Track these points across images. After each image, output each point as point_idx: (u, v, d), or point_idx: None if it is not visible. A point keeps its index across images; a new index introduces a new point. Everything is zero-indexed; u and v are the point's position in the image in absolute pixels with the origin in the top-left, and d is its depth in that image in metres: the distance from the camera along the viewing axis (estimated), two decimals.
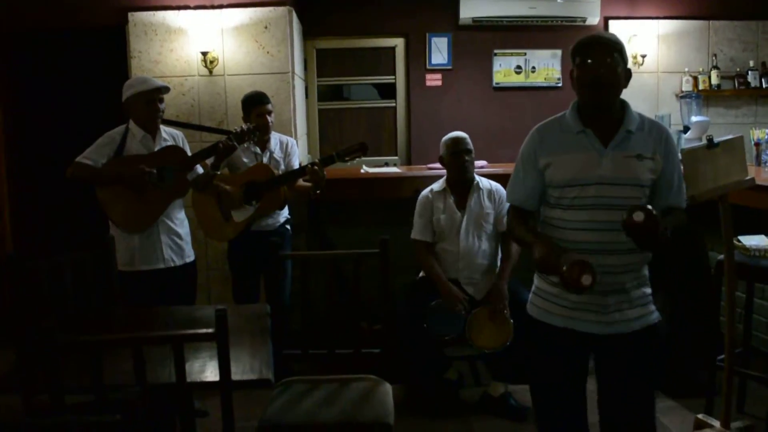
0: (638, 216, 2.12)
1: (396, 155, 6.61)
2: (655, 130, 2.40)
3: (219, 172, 4.01)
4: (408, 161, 6.53)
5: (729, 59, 6.42)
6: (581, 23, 6.24)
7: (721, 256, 3.32)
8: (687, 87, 6.28)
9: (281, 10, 5.05)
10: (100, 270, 3.31)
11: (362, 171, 5.03)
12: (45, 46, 5.93)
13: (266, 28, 5.04)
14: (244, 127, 3.95)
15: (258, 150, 4.26)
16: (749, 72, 6.34)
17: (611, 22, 6.25)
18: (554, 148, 2.40)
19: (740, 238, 3.51)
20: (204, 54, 4.99)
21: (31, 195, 5.79)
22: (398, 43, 6.54)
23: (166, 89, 3.81)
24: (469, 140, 4.02)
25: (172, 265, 3.84)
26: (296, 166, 4.37)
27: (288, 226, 4.42)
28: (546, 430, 2.60)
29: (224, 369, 2.19)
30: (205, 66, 5.02)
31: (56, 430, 1.96)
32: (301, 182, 4.21)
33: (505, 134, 6.29)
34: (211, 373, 2.37)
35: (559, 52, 6.43)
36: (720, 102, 6.45)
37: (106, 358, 2.14)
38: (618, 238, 2.25)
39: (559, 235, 2.38)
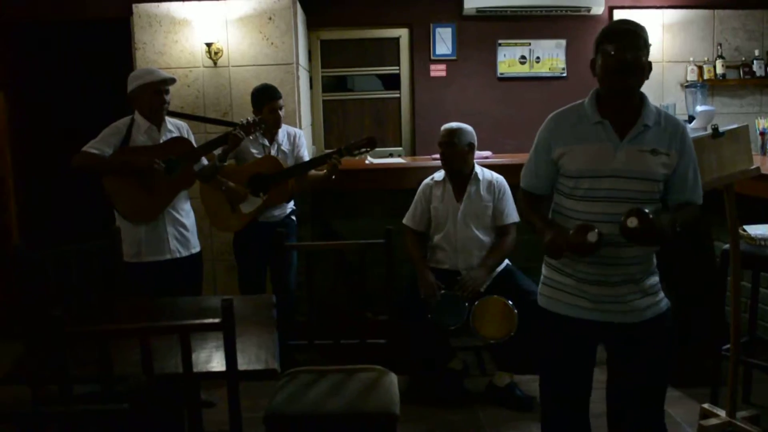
0: (632, 222, 2.17)
1: (400, 146, 6.60)
2: (671, 125, 2.39)
3: (225, 164, 4.02)
4: (412, 152, 6.53)
5: (734, 48, 6.39)
6: (586, 13, 6.21)
7: (727, 246, 3.32)
8: (692, 76, 6.25)
9: (285, 1, 5.04)
10: (106, 261, 3.33)
11: (367, 162, 5.03)
12: (50, 37, 5.94)
13: (270, 19, 5.03)
14: (251, 119, 3.96)
15: (266, 142, 4.27)
16: (754, 61, 6.30)
17: (616, 12, 6.23)
18: (569, 137, 2.40)
19: (745, 227, 3.50)
20: (208, 45, 4.99)
21: (36, 186, 5.80)
22: (402, 33, 6.52)
23: (172, 81, 3.82)
24: (462, 132, 3.98)
25: (178, 256, 3.86)
26: (306, 157, 4.38)
27: (294, 217, 4.43)
28: (549, 417, 2.61)
29: (230, 359, 2.20)
30: (210, 57, 5.02)
31: (65, 420, 1.97)
32: (312, 171, 4.22)
33: (509, 125, 6.27)
34: (217, 363, 2.38)
35: (563, 42, 6.40)
36: (725, 91, 6.41)
37: (113, 349, 2.15)
38: None
39: (571, 225, 2.39)
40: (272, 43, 5.05)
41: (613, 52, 2.28)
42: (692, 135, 2.53)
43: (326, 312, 3.18)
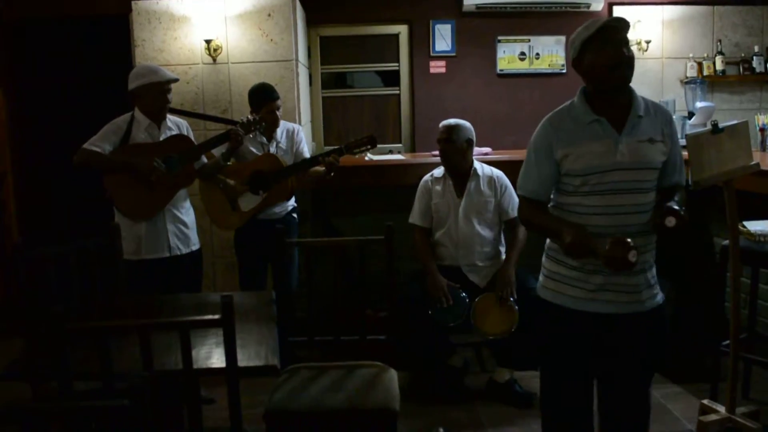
0: (670, 222, 2.25)
1: (400, 143, 6.60)
2: (660, 113, 2.46)
3: (229, 163, 4.02)
4: (412, 149, 6.53)
5: (734, 45, 6.38)
6: (585, 9, 6.20)
7: (726, 242, 3.32)
8: (692, 73, 6.25)
9: None
10: (106, 259, 3.33)
11: (366, 158, 5.02)
12: (49, 35, 5.93)
13: (270, 15, 5.03)
14: (250, 117, 3.95)
15: (264, 140, 4.26)
16: (754, 57, 6.30)
17: (615, 8, 6.20)
18: (570, 138, 2.41)
19: (745, 223, 3.51)
20: (208, 42, 4.99)
21: (36, 184, 5.80)
22: (402, 30, 6.52)
23: (176, 80, 3.84)
24: (461, 129, 3.97)
25: (178, 253, 3.86)
26: (306, 152, 4.38)
27: (295, 214, 4.42)
28: (550, 413, 2.62)
29: (231, 355, 2.20)
30: (209, 54, 5.01)
31: (64, 416, 1.98)
32: (313, 168, 4.23)
33: (509, 121, 6.27)
34: (217, 359, 2.38)
35: (563, 38, 6.39)
36: (725, 87, 6.41)
37: (113, 345, 2.15)
38: (631, 221, 2.36)
39: (575, 219, 2.40)
40: (272, 40, 5.04)
41: (605, 48, 2.32)
42: (692, 131, 2.55)
43: (326, 308, 3.18)
